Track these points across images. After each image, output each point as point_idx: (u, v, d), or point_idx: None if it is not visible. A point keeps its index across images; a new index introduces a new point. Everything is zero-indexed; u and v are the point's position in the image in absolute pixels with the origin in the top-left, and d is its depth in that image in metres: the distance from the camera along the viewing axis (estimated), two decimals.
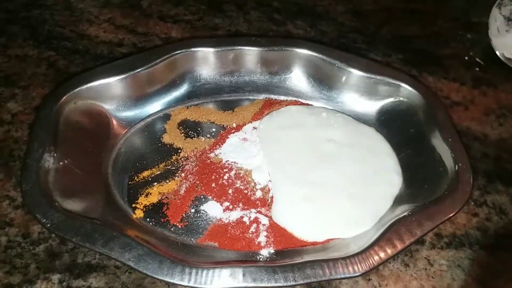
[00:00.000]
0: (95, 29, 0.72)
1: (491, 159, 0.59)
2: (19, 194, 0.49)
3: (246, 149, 0.55)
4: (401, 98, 0.59)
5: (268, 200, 0.51)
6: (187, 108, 0.61)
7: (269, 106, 0.61)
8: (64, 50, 0.68)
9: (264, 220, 0.49)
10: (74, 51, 0.68)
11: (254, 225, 0.48)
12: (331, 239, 0.47)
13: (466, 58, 0.74)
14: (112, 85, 0.55)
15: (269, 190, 0.52)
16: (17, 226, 0.47)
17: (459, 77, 0.70)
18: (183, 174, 0.53)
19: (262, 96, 0.63)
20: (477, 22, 0.82)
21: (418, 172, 0.53)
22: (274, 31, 0.75)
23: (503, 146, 0.60)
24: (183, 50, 0.59)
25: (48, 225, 0.41)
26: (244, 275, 0.40)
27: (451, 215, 0.45)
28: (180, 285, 0.39)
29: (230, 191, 0.51)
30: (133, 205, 0.50)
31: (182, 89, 0.61)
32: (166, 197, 0.51)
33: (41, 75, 0.63)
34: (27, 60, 0.65)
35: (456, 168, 0.49)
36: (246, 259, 0.45)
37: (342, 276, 0.40)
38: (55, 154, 0.47)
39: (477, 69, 0.72)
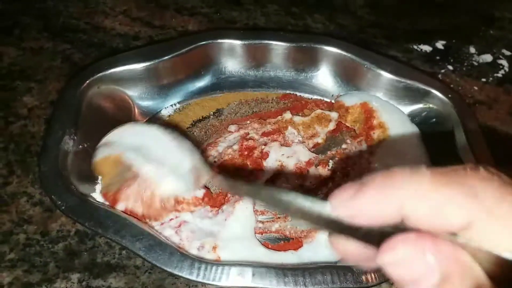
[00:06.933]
0: (110, 21, 0.71)
1: None
2: (38, 191, 0.48)
3: None
4: (431, 105, 0.57)
5: None
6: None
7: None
8: (80, 43, 0.66)
9: None
10: (89, 44, 0.66)
11: None
12: None
13: (489, 55, 0.71)
14: (136, 71, 0.55)
15: None
16: (35, 224, 0.46)
17: (482, 75, 0.68)
18: None
19: (286, 92, 0.62)
20: (499, 17, 0.79)
21: None
22: (292, 25, 0.74)
23: None
24: (209, 41, 0.58)
25: (63, 207, 0.41)
26: (253, 275, 0.39)
27: None
28: (190, 279, 0.38)
29: None
30: None
31: (206, 81, 0.61)
32: None
33: (56, 68, 0.62)
34: (42, 53, 0.64)
35: None
36: None
37: (354, 286, 0.39)
38: (75, 137, 0.47)
39: (500, 66, 0.69)
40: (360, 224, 0.22)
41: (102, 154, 0.45)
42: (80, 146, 0.48)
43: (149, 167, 0.42)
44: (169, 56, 0.56)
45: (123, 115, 0.55)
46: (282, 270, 0.39)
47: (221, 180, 0.39)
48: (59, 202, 0.42)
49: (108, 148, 0.45)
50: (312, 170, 0.53)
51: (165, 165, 0.42)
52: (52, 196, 0.42)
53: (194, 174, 0.42)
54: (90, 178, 0.47)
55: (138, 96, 0.57)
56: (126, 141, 0.44)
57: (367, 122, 0.56)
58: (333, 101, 0.61)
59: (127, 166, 0.43)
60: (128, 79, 0.55)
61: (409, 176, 0.21)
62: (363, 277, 0.39)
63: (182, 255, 0.39)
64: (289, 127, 0.56)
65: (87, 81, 0.52)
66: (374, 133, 0.55)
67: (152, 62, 0.55)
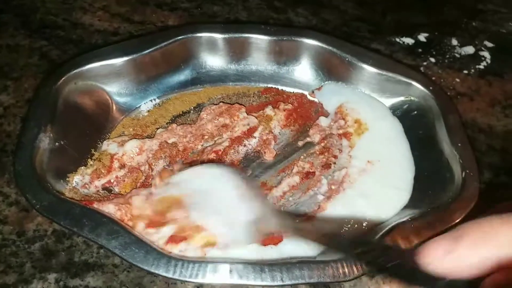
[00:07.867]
0: (89, 17, 0.69)
1: (497, 151, 0.56)
2: (13, 190, 0.47)
3: None
4: (412, 98, 0.57)
5: None
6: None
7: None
8: (57, 40, 0.64)
9: None
10: (67, 41, 0.64)
11: None
12: None
13: (472, 47, 0.71)
14: (114, 66, 0.54)
15: None
16: (11, 224, 0.45)
17: (464, 67, 0.68)
18: None
19: (268, 86, 0.62)
20: (483, 9, 0.79)
21: (424, 176, 0.51)
22: (274, 19, 0.73)
23: (509, 138, 0.58)
24: (189, 35, 0.57)
25: (38, 206, 0.41)
26: (230, 271, 0.39)
27: (452, 224, 0.43)
28: (168, 277, 0.38)
29: None
30: None
31: (187, 75, 0.60)
32: None
33: (33, 66, 0.60)
34: (19, 50, 0.62)
35: (463, 175, 0.47)
36: None
37: (332, 280, 0.38)
38: (51, 135, 0.46)
39: (482, 58, 0.69)
40: (455, 277, 0.22)
41: (165, 193, 0.45)
42: (57, 144, 0.47)
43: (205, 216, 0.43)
44: (147, 51, 0.55)
45: (101, 111, 0.54)
46: (259, 266, 0.39)
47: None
48: (34, 201, 0.41)
49: (173, 187, 0.45)
50: None
51: (223, 215, 0.43)
52: (27, 195, 0.41)
53: (254, 227, 0.42)
54: (66, 175, 0.47)
55: (116, 92, 0.56)
56: (192, 183, 0.45)
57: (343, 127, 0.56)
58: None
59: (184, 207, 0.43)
60: (106, 74, 0.54)
61: (501, 224, 0.22)
62: (341, 271, 0.39)
63: (159, 253, 0.39)
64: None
65: (64, 77, 0.51)
66: (351, 128, 0.55)
67: (130, 57, 0.54)
